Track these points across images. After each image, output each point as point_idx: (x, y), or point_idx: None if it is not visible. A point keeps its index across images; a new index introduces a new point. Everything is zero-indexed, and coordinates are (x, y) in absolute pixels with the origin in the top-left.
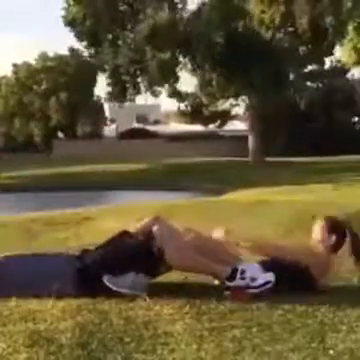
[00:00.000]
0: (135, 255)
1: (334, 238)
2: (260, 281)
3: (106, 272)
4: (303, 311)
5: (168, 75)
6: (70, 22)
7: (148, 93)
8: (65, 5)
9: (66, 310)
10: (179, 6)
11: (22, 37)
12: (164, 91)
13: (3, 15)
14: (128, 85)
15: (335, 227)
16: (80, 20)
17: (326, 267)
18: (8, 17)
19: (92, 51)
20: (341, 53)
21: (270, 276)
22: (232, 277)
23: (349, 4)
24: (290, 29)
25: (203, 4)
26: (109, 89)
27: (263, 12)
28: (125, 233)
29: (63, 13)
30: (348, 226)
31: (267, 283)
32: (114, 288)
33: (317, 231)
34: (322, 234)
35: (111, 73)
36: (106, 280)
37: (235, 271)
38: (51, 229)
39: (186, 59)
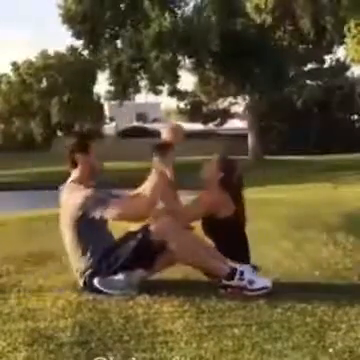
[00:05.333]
0: (134, 253)
1: (222, 174)
2: (257, 285)
3: (99, 274)
4: (303, 309)
5: (170, 75)
6: (68, 20)
7: (148, 92)
8: (62, 3)
9: (66, 308)
10: (181, 4)
11: (24, 35)
12: (164, 90)
13: (5, 13)
14: (130, 83)
15: (224, 165)
16: (79, 18)
17: (221, 203)
18: (10, 15)
19: (91, 49)
20: (346, 50)
21: (267, 282)
22: (231, 277)
23: (345, 2)
24: (290, 28)
25: (202, 2)
26: (109, 87)
27: None
28: (128, 234)
29: (61, 11)
30: (238, 172)
31: (264, 288)
32: (105, 290)
33: (208, 168)
34: (211, 170)
35: (113, 72)
36: (97, 283)
37: (234, 271)
38: (51, 227)
39: (185, 57)
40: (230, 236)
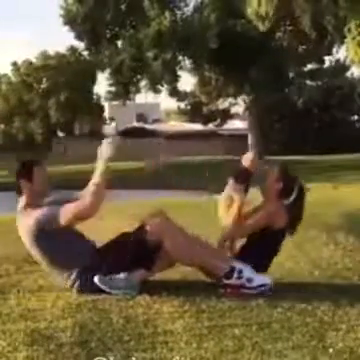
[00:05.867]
0: (132, 253)
1: (281, 185)
2: (256, 283)
3: (100, 272)
4: (303, 309)
5: (170, 74)
6: (70, 21)
7: (148, 91)
8: (63, 4)
9: (66, 308)
10: (180, 5)
11: (23, 35)
12: (164, 90)
13: (5, 13)
14: (130, 83)
15: (284, 175)
16: (80, 19)
17: (277, 214)
18: (10, 15)
19: (93, 49)
20: (346, 51)
21: (266, 279)
22: (229, 275)
23: (342, 3)
24: (289, 28)
25: (201, 3)
26: (109, 87)
27: (259, 5)
28: (123, 235)
29: (62, 12)
30: (299, 183)
31: (263, 285)
32: (106, 289)
33: (268, 178)
34: (271, 180)
35: (113, 72)
36: (97, 281)
37: (233, 269)
38: None
39: (185, 58)
40: (266, 246)
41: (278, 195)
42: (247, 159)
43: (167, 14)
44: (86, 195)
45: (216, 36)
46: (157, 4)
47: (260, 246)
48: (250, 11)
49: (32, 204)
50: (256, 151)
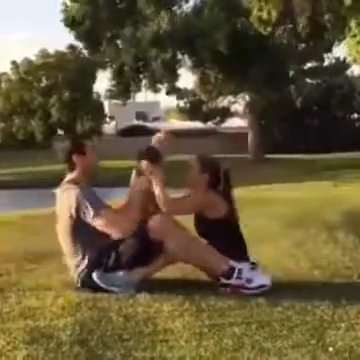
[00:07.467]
0: (133, 251)
1: (207, 176)
2: (256, 283)
3: (99, 269)
4: (302, 308)
5: (170, 74)
6: (70, 23)
7: (148, 90)
8: (64, 6)
9: (66, 307)
10: (181, 3)
11: (24, 34)
12: (164, 88)
13: (5, 12)
14: (131, 83)
15: (207, 166)
16: (80, 20)
17: (214, 202)
18: (10, 14)
19: (94, 49)
20: (345, 49)
21: (266, 280)
22: (229, 275)
23: (348, 1)
24: (289, 26)
25: (203, 1)
26: (110, 86)
27: (260, 10)
28: None
29: (63, 14)
30: (222, 169)
31: (262, 286)
32: (104, 286)
33: (192, 170)
34: (195, 173)
35: (115, 72)
36: (95, 277)
37: (233, 269)
38: (51, 226)
39: (185, 56)
40: (225, 237)
41: (207, 186)
42: (159, 139)
43: (166, 13)
44: (123, 219)
45: (218, 35)
46: (153, 3)
47: (223, 245)
48: (252, 15)
49: (80, 181)
50: (169, 132)
